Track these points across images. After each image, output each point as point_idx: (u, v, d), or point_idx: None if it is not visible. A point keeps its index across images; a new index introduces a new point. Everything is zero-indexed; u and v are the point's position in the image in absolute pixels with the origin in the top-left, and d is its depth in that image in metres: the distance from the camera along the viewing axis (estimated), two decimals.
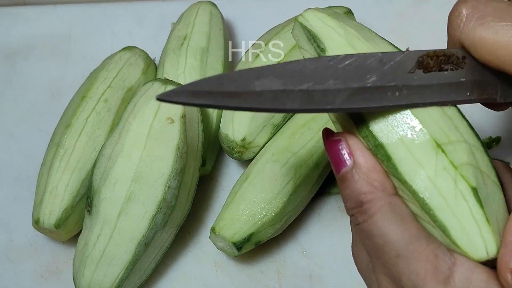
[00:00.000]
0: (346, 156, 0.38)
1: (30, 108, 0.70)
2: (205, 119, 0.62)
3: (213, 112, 0.63)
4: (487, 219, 0.35)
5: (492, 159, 0.38)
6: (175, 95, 0.33)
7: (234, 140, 0.60)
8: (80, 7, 0.77)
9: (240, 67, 0.66)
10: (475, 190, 0.36)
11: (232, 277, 0.60)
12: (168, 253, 0.59)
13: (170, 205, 0.55)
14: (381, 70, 0.36)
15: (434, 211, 0.36)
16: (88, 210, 0.55)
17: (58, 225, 0.57)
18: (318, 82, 0.35)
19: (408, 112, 0.37)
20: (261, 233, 0.57)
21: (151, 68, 0.67)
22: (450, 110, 0.38)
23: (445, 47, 0.40)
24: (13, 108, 0.70)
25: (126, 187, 0.53)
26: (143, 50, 0.68)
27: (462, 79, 0.38)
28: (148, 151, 0.54)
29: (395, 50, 0.39)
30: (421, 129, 0.36)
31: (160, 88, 0.57)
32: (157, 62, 0.70)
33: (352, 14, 0.68)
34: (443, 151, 0.36)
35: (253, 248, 0.58)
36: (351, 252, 0.42)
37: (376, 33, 0.41)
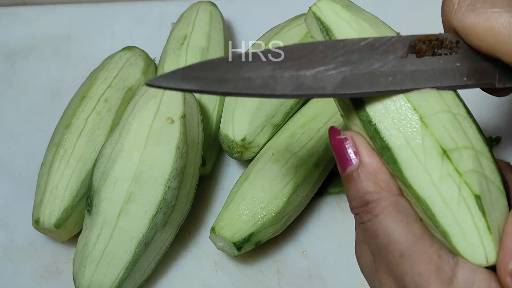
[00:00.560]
0: (352, 155, 0.38)
1: (30, 108, 0.70)
2: (205, 119, 0.62)
3: (213, 112, 0.63)
4: (489, 227, 0.35)
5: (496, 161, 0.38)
6: (164, 80, 0.33)
7: (234, 140, 0.60)
8: (80, 7, 0.77)
9: None
10: (478, 198, 0.36)
11: (232, 277, 0.60)
12: (168, 253, 0.59)
13: (170, 205, 0.55)
14: (372, 55, 0.36)
15: (436, 216, 0.36)
16: (88, 210, 0.55)
17: (58, 225, 0.57)
18: (307, 68, 0.35)
19: (417, 116, 0.36)
20: (261, 233, 0.57)
21: (151, 68, 0.67)
22: (460, 114, 0.37)
23: None
24: (13, 108, 0.70)
25: (126, 187, 0.53)
26: (143, 50, 0.68)
27: (458, 64, 0.38)
28: (148, 151, 0.54)
29: None
30: (429, 133, 0.36)
31: (159, 88, 0.57)
32: (157, 62, 0.69)
33: None
34: (448, 157, 0.36)
35: (253, 248, 0.58)
36: (354, 252, 0.42)
37: (390, 27, 0.40)
